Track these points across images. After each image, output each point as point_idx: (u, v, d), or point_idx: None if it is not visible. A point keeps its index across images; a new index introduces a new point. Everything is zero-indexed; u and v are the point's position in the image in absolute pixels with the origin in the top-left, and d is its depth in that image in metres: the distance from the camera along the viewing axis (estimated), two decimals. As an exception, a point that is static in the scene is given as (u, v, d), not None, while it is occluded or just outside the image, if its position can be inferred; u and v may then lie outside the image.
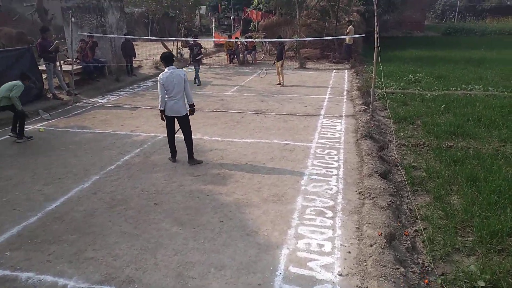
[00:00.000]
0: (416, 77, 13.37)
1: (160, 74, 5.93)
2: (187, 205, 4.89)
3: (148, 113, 9.48)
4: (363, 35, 13.23)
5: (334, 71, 15.72)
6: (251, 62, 18.49)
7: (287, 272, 3.62)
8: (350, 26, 17.25)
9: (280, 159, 6.40)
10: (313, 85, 12.78)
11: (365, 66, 16.08)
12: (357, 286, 3.41)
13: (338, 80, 13.75)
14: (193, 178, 5.68)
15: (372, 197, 4.86)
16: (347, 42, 17.29)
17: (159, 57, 6.91)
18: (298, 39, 16.60)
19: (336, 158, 6.42)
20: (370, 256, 3.72)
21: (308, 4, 20.81)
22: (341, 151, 6.73)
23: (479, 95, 10.57)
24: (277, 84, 12.82)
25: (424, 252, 4.04)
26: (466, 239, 4.22)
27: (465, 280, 3.56)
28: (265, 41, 19.30)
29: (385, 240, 3.88)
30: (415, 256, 3.97)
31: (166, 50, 14.75)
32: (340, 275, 3.56)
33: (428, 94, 10.85)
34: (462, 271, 3.66)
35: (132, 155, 6.62)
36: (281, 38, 13.25)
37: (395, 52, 19.99)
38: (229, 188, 5.35)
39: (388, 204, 4.66)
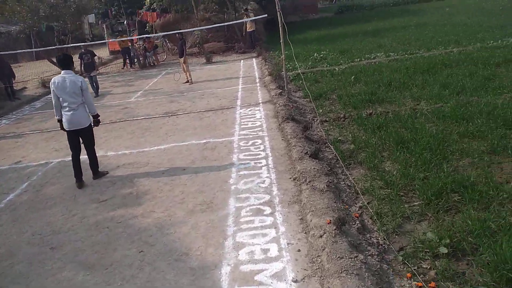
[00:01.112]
0: (321, 55, 13.47)
1: (53, 78, 4.95)
2: (94, 240, 3.94)
3: (37, 138, 8.06)
4: (265, 15, 12.86)
5: (242, 61, 15.28)
6: (153, 64, 17.30)
7: (233, 295, 2.95)
8: (245, 17, 16.99)
9: (201, 160, 5.67)
10: (223, 78, 12.16)
11: (271, 52, 15.92)
12: (318, 291, 2.85)
13: (248, 69, 13.31)
14: (98, 205, 4.70)
15: (309, 181, 4.37)
16: (248, 30, 16.96)
17: (45, 75, 5.78)
18: (197, 28, 15.74)
19: (262, 147, 5.87)
20: (323, 250, 3.20)
21: (203, -3, 20.13)
22: (266, 139, 6.20)
23: (383, 62, 10.84)
24: (186, 82, 11.99)
25: (375, 229, 3.65)
26: (412, 205, 3.92)
27: (426, 250, 3.22)
28: (163, 38, 18.22)
29: (334, 227, 3.38)
30: (368, 236, 3.55)
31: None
32: (295, 281, 2.97)
33: (336, 69, 10.87)
34: (420, 242, 3.31)
35: (18, 192, 5.37)
36: (182, 34, 12.36)
37: (296, 36, 20.23)
38: (145, 207, 4.49)
39: (326, 186, 4.20)
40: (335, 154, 5.25)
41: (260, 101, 8.64)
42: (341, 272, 2.85)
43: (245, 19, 15.92)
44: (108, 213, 4.45)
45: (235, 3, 21.04)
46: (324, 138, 5.83)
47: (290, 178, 4.73)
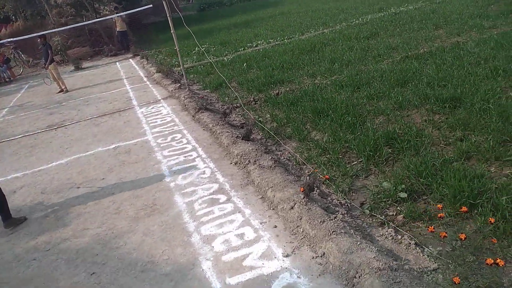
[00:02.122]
0: (203, 48, 13.32)
1: None
2: (25, 277, 3.18)
3: None
4: (134, 10, 12.07)
5: (117, 63, 14.19)
6: (9, 79, 14.88)
7: (228, 288, 2.68)
8: (115, 15, 15.84)
9: (120, 165, 5.05)
10: (104, 82, 11.12)
11: (146, 51, 15.15)
12: (313, 257, 2.78)
13: (128, 70, 12.43)
14: (8, 237, 3.81)
15: (254, 161, 4.26)
16: (119, 30, 15.83)
17: None
18: (47, 32, 13.92)
19: (185, 140, 5.51)
20: (300, 219, 3.14)
21: (56, 1, 18.02)
22: (185, 132, 5.85)
23: (267, 48, 11.24)
24: (60, 92, 10.60)
25: (332, 192, 3.73)
26: (353, 164, 4.12)
27: (385, 200, 3.41)
28: (15, 50, 15.80)
29: (302, 196, 3.34)
30: (329, 199, 3.61)
31: None
32: (287, 255, 2.85)
33: (225, 59, 10.89)
34: (377, 193, 3.50)
35: None
36: (45, 38, 10.79)
37: (166, 35, 19.77)
38: (74, 227, 3.80)
39: (274, 161, 4.15)
40: (266, 133, 5.22)
41: (160, 98, 8.13)
42: (331, 234, 2.83)
43: (114, 16, 14.75)
44: (28, 243, 3.64)
45: (94, 5, 19.43)
46: (252, 119, 5.74)
47: (231, 163, 4.54)
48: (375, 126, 4.72)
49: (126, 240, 3.43)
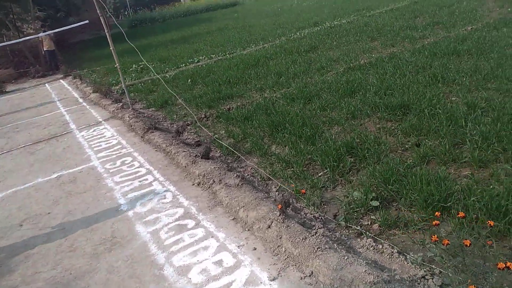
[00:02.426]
0: (141, 66, 12.88)
1: None
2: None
3: None
4: (61, 28, 11.30)
5: (47, 84, 13.18)
6: None
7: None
8: (42, 34, 14.78)
9: (67, 197, 4.57)
10: (34, 105, 10.22)
11: (78, 70, 14.28)
12: (301, 277, 2.65)
13: (60, 91, 11.58)
14: None
15: (219, 181, 4.07)
16: (46, 49, 14.77)
17: None
18: None
19: (136, 164, 5.15)
20: (280, 238, 3.01)
21: (-31, 19, 16.44)
22: (135, 154, 5.48)
23: (209, 63, 11.11)
24: (-19, 119, 9.53)
25: (304, 206, 3.66)
26: (318, 176, 4.10)
27: (358, 209, 3.41)
28: None
29: (279, 213, 3.22)
30: (302, 213, 3.53)
31: None
32: (273, 279, 2.69)
33: (167, 75, 10.57)
34: (348, 203, 3.49)
35: None
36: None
37: (96, 53, 18.96)
38: (23, 272, 3.32)
39: (241, 178, 3.99)
40: (225, 150, 5.06)
41: (100, 120, 7.61)
42: (316, 251, 2.74)
43: (41, 34, 13.72)
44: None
45: (16, 23, 18.02)
46: (210, 137, 5.54)
47: (193, 184, 4.30)
48: (333, 137, 4.76)
49: (89, 280, 3.05)
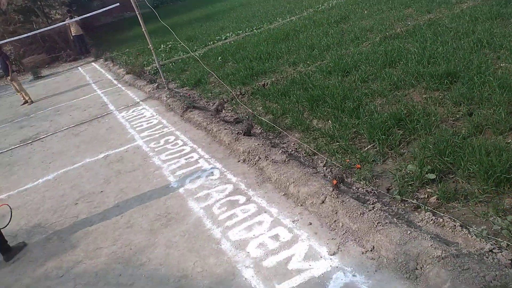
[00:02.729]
0: (169, 46, 12.88)
1: None
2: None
3: None
4: (89, 14, 11.34)
5: (80, 68, 13.44)
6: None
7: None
8: (67, 18, 14.95)
9: (117, 175, 4.71)
10: (71, 88, 10.46)
11: (108, 53, 14.43)
12: (363, 252, 2.65)
13: (94, 74, 11.78)
14: (10, 267, 3.43)
15: (265, 157, 4.07)
16: (75, 34, 14.97)
17: None
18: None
19: (180, 142, 5.22)
20: (336, 213, 3.00)
21: (1, 8, 16.77)
22: (178, 133, 5.55)
23: (237, 40, 10.98)
24: (24, 103, 9.87)
25: (354, 180, 3.61)
26: (366, 149, 4.02)
27: (412, 183, 3.34)
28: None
29: (331, 188, 3.20)
30: (354, 188, 3.49)
31: None
32: (333, 253, 2.70)
33: (197, 54, 10.52)
34: (402, 177, 3.41)
35: None
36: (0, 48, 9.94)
37: (124, 35, 19.06)
38: (84, 247, 3.49)
39: (288, 154, 3.98)
40: (265, 126, 5.04)
41: (138, 100, 7.72)
42: (376, 226, 2.72)
43: (68, 21, 13.88)
44: (35, 271, 3.29)
45: (44, 10, 18.27)
46: (250, 112, 5.53)
47: (238, 161, 4.33)
48: (378, 109, 4.65)
49: (149, 255, 3.16)
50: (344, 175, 3.52)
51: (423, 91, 4.87)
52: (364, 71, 5.92)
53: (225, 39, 11.82)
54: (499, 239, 2.56)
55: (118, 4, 10.77)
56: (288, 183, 3.54)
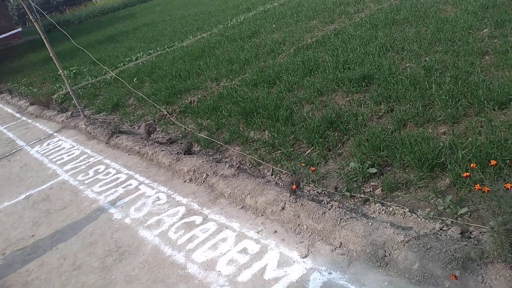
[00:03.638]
0: (73, 71, 12.08)
1: None
2: None
3: None
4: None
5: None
6: None
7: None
8: None
9: (46, 216, 4.24)
10: (-38, 127, 9.14)
11: (2, 84, 12.98)
12: (332, 250, 2.76)
13: (-12, 108, 10.47)
14: None
15: (213, 173, 4.03)
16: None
17: None
18: None
19: (113, 171, 4.90)
20: (298, 217, 3.09)
21: None
22: (107, 161, 5.20)
23: (151, 60, 10.72)
24: None
25: (304, 184, 3.75)
26: (307, 153, 4.22)
27: (356, 179, 3.58)
28: None
29: (288, 194, 3.29)
30: (305, 190, 3.63)
31: None
32: (305, 256, 2.77)
33: (108, 77, 10.03)
34: (346, 174, 3.65)
35: None
36: None
37: (13, 65, 17.43)
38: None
39: (237, 167, 3.99)
40: (203, 143, 4.98)
41: (51, 132, 7.06)
42: (339, 223, 2.85)
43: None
44: None
45: None
46: (189, 130, 5.39)
47: (185, 181, 4.21)
48: (309, 115, 4.90)
49: (105, 296, 2.89)
50: (300, 179, 3.64)
51: (345, 94, 5.27)
52: (287, 81, 6.20)
53: (136, 59, 11.44)
54: (444, 218, 2.87)
55: (20, 29, 9.80)
56: (243, 196, 3.54)
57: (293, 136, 4.56)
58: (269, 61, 7.62)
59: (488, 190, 2.13)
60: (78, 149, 5.86)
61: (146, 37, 14.83)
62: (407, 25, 7.27)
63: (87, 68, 12.24)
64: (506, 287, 2.09)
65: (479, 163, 3.13)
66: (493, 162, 2.49)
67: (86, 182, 4.78)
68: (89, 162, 5.32)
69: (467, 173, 2.60)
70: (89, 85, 9.99)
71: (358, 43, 6.97)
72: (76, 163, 5.40)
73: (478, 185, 2.27)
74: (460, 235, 2.60)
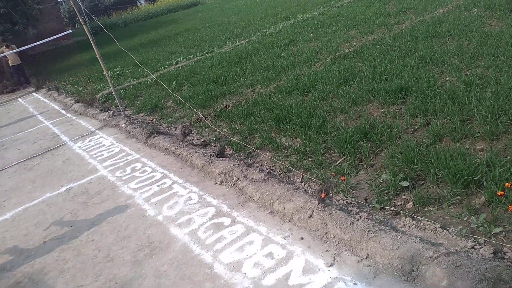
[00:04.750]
0: (117, 72, 12.60)
1: None
2: None
3: None
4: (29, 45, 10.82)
5: (19, 99, 12.63)
6: None
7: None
8: (3, 47, 14.10)
9: (84, 208, 4.47)
10: (13, 121, 9.79)
11: (51, 82, 13.75)
12: (358, 261, 2.75)
13: (38, 104, 11.14)
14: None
15: (243, 177, 4.11)
16: (12, 64, 14.13)
17: None
18: None
19: (148, 169, 5.09)
20: (325, 225, 3.09)
21: None
22: (144, 160, 5.41)
23: (190, 64, 11.01)
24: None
25: (333, 193, 3.75)
26: (338, 163, 4.21)
27: (388, 191, 3.54)
28: None
29: (317, 202, 3.31)
30: (334, 200, 3.62)
31: None
32: (331, 265, 2.78)
33: (149, 79, 10.40)
34: (377, 186, 3.61)
35: None
36: None
37: (62, 64, 18.40)
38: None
39: (267, 172, 4.05)
40: (235, 147, 5.08)
41: (93, 129, 7.42)
42: (367, 234, 2.84)
43: (7, 52, 13.10)
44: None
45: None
46: (223, 134, 5.52)
47: (215, 183, 4.31)
48: (343, 124, 4.89)
49: (138, 287, 3.02)
50: (329, 188, 3.65)
51: (381, 105, 5.21)
52: (322, 90, 6.21)
53: (177, 63, 11.79)
54: (477, 236, 2.79)
55: (70, 31, 10.40)
56: (272, 201, 3.59)
57: (324, 144, 4.57)
58: (305, 70, 7.65)
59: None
60: (118, 147, 6.13)
61: (187, 42, 15.24)
62: (448, 38, 7.10)
63: (129, 70, 12.74)
64: (538, 312, 2.02)
65: (517, 182, 3.03)
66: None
67: (124, 178, 4.99)
68: (127, 159, 5.55)
69: (502, 192, 2.52)
70: (131, 86, 10.40)
71: (396, 55, 6.87)
72: (115, 160, 5.65)
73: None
74: (492, 255, 2.52)
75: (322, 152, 4.46)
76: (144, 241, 3.57)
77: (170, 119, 7.13)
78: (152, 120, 6.77)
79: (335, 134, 4.67)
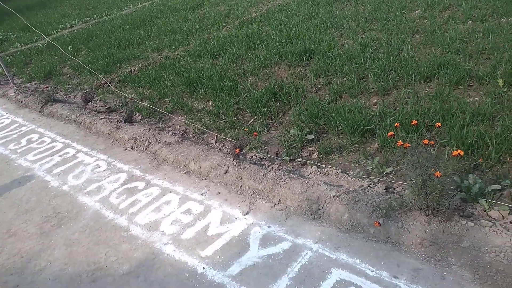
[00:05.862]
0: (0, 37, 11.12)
1: None
2: None
3: None
4: None
5: None
6: None
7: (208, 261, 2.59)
8: None
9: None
10: None
11: None
12: (271, 207, 2.93)
13: None
14: None
15: (156, 141, 4.02)
16: None
17: None
18: None
19: (47, 139, 4.68)
20: (241, 179, 3.22)
21: None
22: (41, 130, 4.95)
23: (87, 28, 10.13)
24: None
25: (247, 150, 3.88)
26: (250, 122, 4.35)
27: (295, 145, 3.78)
28: None
29: (232, 158, 3.41)
30: (248, 156, 3.76)
31: None
32: (247, 213, 2.92)
33: (40, 44, 9.38)
34: (286, 141, 3.82)
35: None
36: None
37: None
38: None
39: (181, 135, 4.01)
40: (145, 112, 4.91)
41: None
42: (279, 182, 3.03)
43: None
44: None
45: None
46: (130, 99, 5.24)
47: (126, 149, 4.15)
48: (253, 86, 5.01)
49: (48, 258, 2.85)
50: (243, 144, 3.75)
51: (287, 67, 5.43)
52: (232, 53, 6.22)
53: (71, 27, 10.77)
54: (371, 176, 3.16)
55: None
56: (187, 161, 3.59)
57: (237, 106, 4.65)
58: (214, 33, 7.57)
59: (409, 146, 2.39)
60: (8, 118, 5.49)
61: (82, 4, 13.92)
62: (347, 4, 7.56)
63: (15, 35, 11.29)
64: (421, 231, 2.39)
65: (403, 128, 3.46)
66: (414, 121, 2.77)
67: (19, 151, 4.53)
68: (21, 131, 5.02)
69: (392, 133, 2.86)
70: (19, 53, 9.27)
71: (300, 19, 7.13)
72: (7, 132, 5.08)
73: (400, 141, 2.54)
74: (385, 190, 2.89)
75: (235, 113, 4.54)
76: (50, 213, 3.34)
77: (68, 86, 6.57)
78: (46, 88, 6.15)
79: (246, 96, 4.77)
